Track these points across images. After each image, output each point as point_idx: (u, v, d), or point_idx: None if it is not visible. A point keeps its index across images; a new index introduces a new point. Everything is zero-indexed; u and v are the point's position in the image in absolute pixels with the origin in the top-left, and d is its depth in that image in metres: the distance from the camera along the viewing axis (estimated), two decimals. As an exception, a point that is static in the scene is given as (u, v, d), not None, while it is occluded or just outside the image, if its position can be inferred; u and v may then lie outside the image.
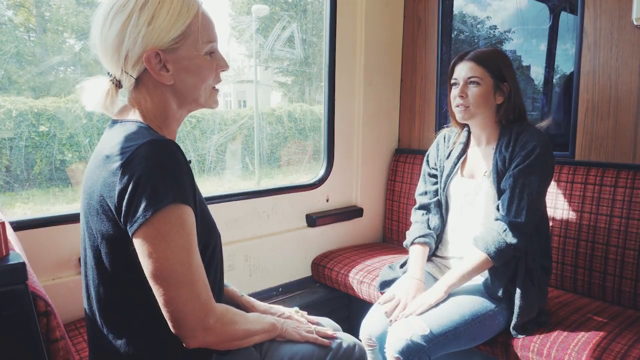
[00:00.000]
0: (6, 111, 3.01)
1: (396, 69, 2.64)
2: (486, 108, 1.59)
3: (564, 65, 2.12)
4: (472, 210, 1.67)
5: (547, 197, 1.95)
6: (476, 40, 2.47)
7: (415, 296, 1.57)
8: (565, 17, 2.08)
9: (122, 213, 0.88)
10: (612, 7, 1.82)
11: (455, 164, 1.73)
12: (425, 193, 1.83)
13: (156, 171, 0.87)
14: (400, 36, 2.62)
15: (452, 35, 2.46)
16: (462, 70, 1.60)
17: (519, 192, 1.50)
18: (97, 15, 0.97)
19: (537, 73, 2.23)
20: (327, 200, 2.49)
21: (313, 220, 2.38)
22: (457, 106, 1.61)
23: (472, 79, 1.57)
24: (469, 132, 1.74)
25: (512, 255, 1.51)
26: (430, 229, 1.76)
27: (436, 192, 1.80)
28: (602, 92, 1.88)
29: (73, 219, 1.63)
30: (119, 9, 0.94)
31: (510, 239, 1.48)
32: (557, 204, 1.93)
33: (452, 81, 1.64)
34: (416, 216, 1.82)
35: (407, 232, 1.79)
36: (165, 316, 0.91)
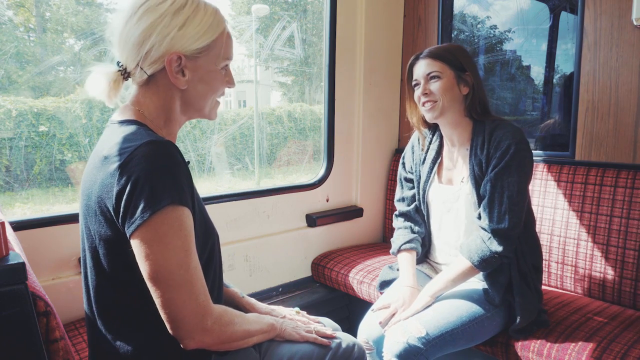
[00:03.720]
0: (6, 111, 3.01)
1: (396, 69, 2.64)
2: (454, 101, 1.54)
3: (564, 65, 2.12)
4: (453, 217, 1.63)
5: (547, 197, 1.95)
6: (476, 40, 2.46)
7: (410, 303, 1.55)
8: (565, 17, 2.09)
9: (120, 214, 0.88)
10: (612, 7, 1.82)
11: (432, 170, 1.68)
12: (403, 200, 1.78)
13: (154, 172, 0.87)
14: (400, 36, 2.62)
15: (452, 35, 2.46)
16: (420, 68, 1.56)
17: (499, 196, 1.46)
18: (124, 7, 0.99)
19: (537, 73, 2.23)
20: (327, 200, 2.49)
21: (313, 220, 2.38)
22: (424, 105, 1.56)
23: (431, 74, 1.54)
24: (441, 136, 1.69)
25: (498, 263, 1.48)
26: (414, 232, 1.73)
27: (413, 198, 1.76)
28: (602, 92, 1.88)
29: (73, 219, 1.63)
30: (150, 7, 0.96)
31: (495, 247, 1.45)
32: (557, 204, 1.93)
33: (413, 82, 1.60)
34: (398, 222, 1.79)
35: (392, 240, 1.76)
36: (163, 318, 0.91)
